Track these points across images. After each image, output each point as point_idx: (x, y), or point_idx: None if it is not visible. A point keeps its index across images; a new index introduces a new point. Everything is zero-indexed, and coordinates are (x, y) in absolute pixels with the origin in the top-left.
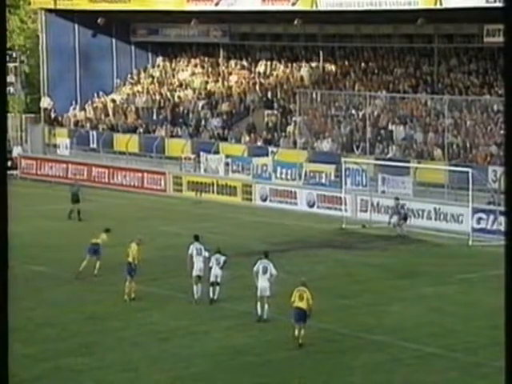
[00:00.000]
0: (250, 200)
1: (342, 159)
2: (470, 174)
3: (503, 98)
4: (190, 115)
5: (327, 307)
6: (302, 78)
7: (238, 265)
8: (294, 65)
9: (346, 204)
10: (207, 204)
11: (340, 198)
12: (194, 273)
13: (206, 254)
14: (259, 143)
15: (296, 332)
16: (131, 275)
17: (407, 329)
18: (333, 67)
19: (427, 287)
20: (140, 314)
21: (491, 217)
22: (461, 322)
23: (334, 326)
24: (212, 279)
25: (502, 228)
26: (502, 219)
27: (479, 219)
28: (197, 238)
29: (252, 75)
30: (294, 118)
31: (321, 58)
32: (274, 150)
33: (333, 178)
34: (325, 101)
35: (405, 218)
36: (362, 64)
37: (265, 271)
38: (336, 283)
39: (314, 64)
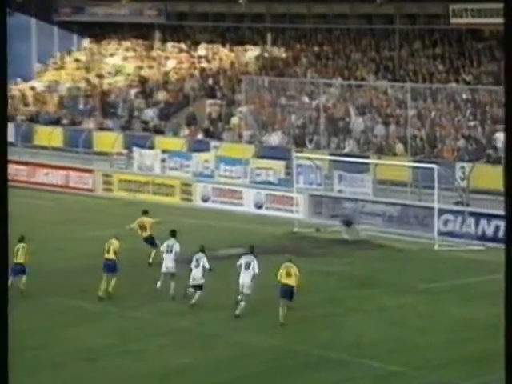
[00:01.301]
0: (190, 201)
1: (294, 154)
2: (436, 171)
3: (472, 85)
4: (122, 105)
5: (279, 320)
6: (247, 64)
7: None
8: (239, 48)
9: (297, 205)
10: (142, 205)
11: (291, 198)
12: (162, 269)
13: (177, 249)
14: (200, 137)
15: (280, 311)
16: (112, 271)
17: (366, 345)
18: (282, 51)
19: (388, 298)
20: (63, 331)
21: (459, 218)
22: (425, 337)
23: (285, 341)
24: (190, 282)
25: (472, 231)
26: (471, 221)
27: (446, 221)
28: (173, 234)
29: (192, 60)
30: (239, 109)
31: (269, 41)
32: (217, 144)
33: (283, 175)
34: (274, 89)
35: (347, 223)
36: (315, 48)
37: (247, 266)
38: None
39: (261, 47)
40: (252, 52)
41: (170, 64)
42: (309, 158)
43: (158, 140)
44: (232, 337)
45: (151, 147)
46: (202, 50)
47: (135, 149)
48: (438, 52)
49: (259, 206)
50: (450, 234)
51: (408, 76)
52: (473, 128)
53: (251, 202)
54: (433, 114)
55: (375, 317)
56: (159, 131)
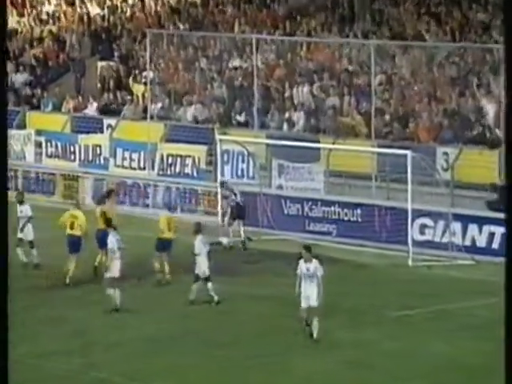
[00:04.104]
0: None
1: (217, 137)
2: (410, 159)
3: (457, 42)
4: None
5: (195, 361)
6: (155, 11)
7: (33, 295)
8: None
9: (223, 206)
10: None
11: (215, 196)
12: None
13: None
14: (89, 112)
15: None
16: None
17: None
18: None
19: (344, 330)
20: None
21: (440, 223)
22: (391, 381)
23: None
24: (197, 272)
25: (457, 240)
26: (456, 227)
27: (423, 227)
28: (108, 223)
29: (77, 7)
30: (143, 73)
31: None
32: (113, 122)
33: (203, 165)
34: (190, 46)
35: (239, 214)
36: None
37: (309, 272)
38: (208, 325)
39: None
40: None
41: (48, 9)
42: (238, 142)
43: (32, 116)
44: None
45: (21, 126)
46: None
47: None
48: None
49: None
50: (429, 244)
51: (372, 29)
52: (459, 99)
53: (160, 202)
54: (405, 80)
55: (327, 356)
56: (33, 104)
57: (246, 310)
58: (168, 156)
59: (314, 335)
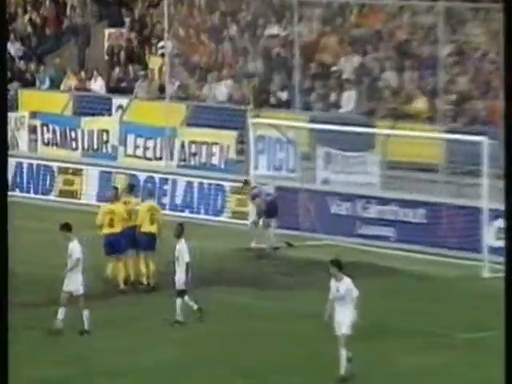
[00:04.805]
0: (76, 195)
1: (250, 120)
2: (485, 147)
3: None
4: None
5: None
6: None
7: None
8: None
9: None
10: None
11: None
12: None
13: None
14: (95, 89)
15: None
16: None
17: None
18: None
19: (405, 355)
20: None
21: None
22: None
23: None
24: (176, 286)
25: None
26: None
27: (501, 230)
28: (67, 227)
29: None
30: (160, 43)
31: None
32: (123, 102)
33: (233, 155)
34: (216, 11)
35: (269, 213)
36: None
37: (339, 293)
38: (230, 348)
39: None
40: None
41: None
42: (275, 127)
43: (25, 95)
44: None
45: (12, 107)
46: None
47: None
48: None
49: (192, 207)
50: None
51: None
52: None
53: (180, 199)
54: (479, 51)
55: None
56: (26, 81)
57: (280, 331)
58: (190, 144)
59: (341, 371)
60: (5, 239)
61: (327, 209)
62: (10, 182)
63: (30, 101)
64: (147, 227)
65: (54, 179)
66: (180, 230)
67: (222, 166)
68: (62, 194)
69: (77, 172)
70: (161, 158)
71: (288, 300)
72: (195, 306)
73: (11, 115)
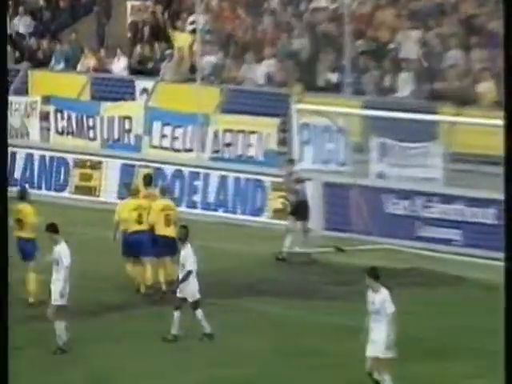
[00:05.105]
0: (95, 193)
1: (294, 105)
2: None
3: None
4: None
5: None
6: None
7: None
8: None
9: None
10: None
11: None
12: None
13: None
14: (116, 70)
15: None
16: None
17: None
18: None
19: (473, 380)
20: None
21: None
22: None
23: None
24: (179, 295)
25: None
26: None
27: None
28: (53, 228)
29: None
30: (190, 18)
31: None
32: (148, 85)
33: (274, 146)
34: None
35: (298, 212)
36: None
37: (374, 306)
38: (271, 368)
39: None
40: None
41: None
42: (323, 113)
43: (36, 77)
44: None
45: (22, 91)
46: None
47: None
48: None
49: (227, 205)
50: None
51: None
52: None
53: (213, 195)
54: None
55: None
56: (38, 60)
57: (330, 348)
58: (225, 132)
59: None
60: (5, 239)
61: (382, 208)
62: (18, 177)
63: (42, 84)
64: (162, 230)
65: (69, 173)
66: (184, 233)
67: (261, 159)
68: (78, 190)
69: (95, 165)
70: (191, 150)
71: (337, 313)
72: (207, 329)
73: (21, 100)
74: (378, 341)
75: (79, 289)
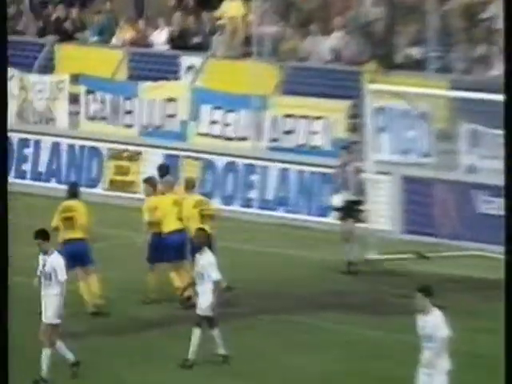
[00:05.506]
0: (132, 188)
1: (368, 86)
2: None
3: None
4: None
5: None
6: None
7: None
8: None
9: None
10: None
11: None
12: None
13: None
14: (157, 44)
15: None
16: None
17: None
18: None
19: None
20: None
21: None
22: None
23: None
24: (198, 312)
25: None
26: None
27: None
28: (43, 235)
29: None
30: None
31: None
32: (196, 62)
33: (342, 134)
34: None
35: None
36: None
37: (424, 331)
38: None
39: None
40: None
41: None
42: (401, 95)
43: (64, 52)
44: None
45: (47, 69)
46: None
47: (13, 71)
48: None
49: (288, 204)
50: None
51: None
52: None
53: (271, 194)
54: None
55: None
56: (66, 33)
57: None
58: (285, 118)
59: None
60: (5, 239)
61: (472, 206)
62: (44, 169)
63: (70, 60)
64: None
65: (103, 166)
66: (203, 238)
67: (329, 149)
68: (113, 185)
69: (133, 157)
70: (245, 138)
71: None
72: (221, 350)
73: (45, 79)
74: (432, 370)
75: (114, 302)
